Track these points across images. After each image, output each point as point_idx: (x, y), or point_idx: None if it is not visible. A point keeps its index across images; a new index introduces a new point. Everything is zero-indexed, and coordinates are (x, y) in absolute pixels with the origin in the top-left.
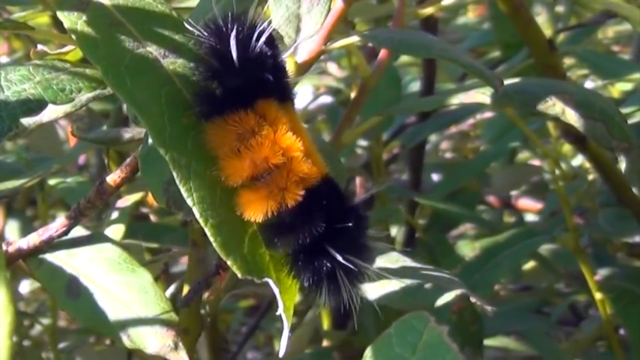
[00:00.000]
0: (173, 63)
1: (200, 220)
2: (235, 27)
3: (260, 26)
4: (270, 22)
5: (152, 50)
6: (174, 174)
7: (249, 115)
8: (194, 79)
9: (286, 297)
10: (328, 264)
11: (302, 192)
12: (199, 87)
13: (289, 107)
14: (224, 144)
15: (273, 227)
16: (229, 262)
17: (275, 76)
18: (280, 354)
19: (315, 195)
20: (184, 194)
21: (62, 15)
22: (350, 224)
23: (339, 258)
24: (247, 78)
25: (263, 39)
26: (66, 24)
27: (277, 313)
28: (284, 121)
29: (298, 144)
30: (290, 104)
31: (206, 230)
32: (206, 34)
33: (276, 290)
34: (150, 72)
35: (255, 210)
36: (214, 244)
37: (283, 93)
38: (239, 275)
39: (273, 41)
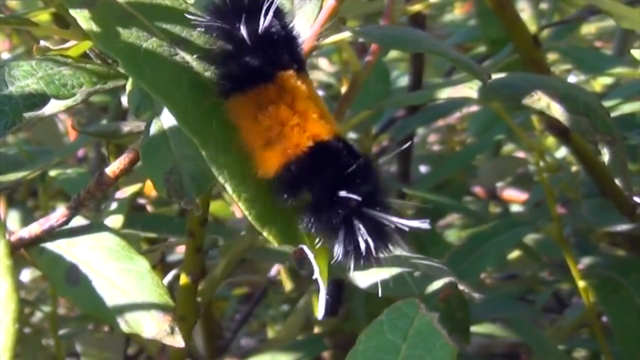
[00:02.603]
0: (187, 48)
1: (234, 196)
2: (239, 5)
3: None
4: None
5: (165, 38)
6: (203, 154)
7: (268, 87)
8: (210, 62)
9: (319, 261)
10: (343, 212)
11: (312, 144)
12: (217, 68)
13: (304, 76)
14: (244, 116)
15: (285, 181)
16: (264, 233)
17: (289, 46)
18: (320, 317)
19: (326, 149)
20: (215, 173)
21: (75, 13)
22: (363, 175)
23: (354, 202)
24: (262, 54)
25: (271, 12)
26: (80, 21)
27: (314, 277)
28: (301, 89)
29: (314, 107)
30: (305, 73)
31: (240, 204)
32: (211, 17)
33: (311, 256)
34: (167, 60)
35: (269, 167)
36: (249, 217)
37: (298, 62)
38: (276, 244)
39: (279, 11)
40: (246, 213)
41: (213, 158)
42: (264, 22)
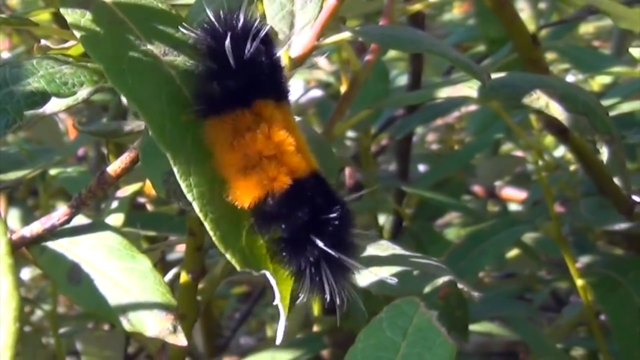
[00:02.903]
0: (173, 61)
1: (200, 215)
2: (230, 27)
3: (255, 25)
4: (265, 20)
5: (153, 48)
6: (174, 170)
7: (245, 113)
8: (193, 78)
9: (282, 287)
10: (311, 254)
11: (289, 182)
12: (198, 86)
13: (284, 105)
14: (220, 140)
15: (261, 215)
16: (227, 256)
17: (271, 75)
18: (277, 342)
19: (302, 186)
20: (184, 190)
21: (65, 13)
22: (335, 217)
23: (322, 246)
24: (244, 79)
25: (259, 38)
26: (69, 21)
27: (274, 303)
28: (278, 119)
29: (290, 139)
30: (286, 102)
31: (205, 224)
32: (202, 35)
33: (273, 281)
34: (151, 71)
35: (244, 197)
36: (213, 238)
37: (278, 92)
38: (238, 268)
39: (269, 39)
40: (211, 233)
41: (183, 175)
42: (250, 48)
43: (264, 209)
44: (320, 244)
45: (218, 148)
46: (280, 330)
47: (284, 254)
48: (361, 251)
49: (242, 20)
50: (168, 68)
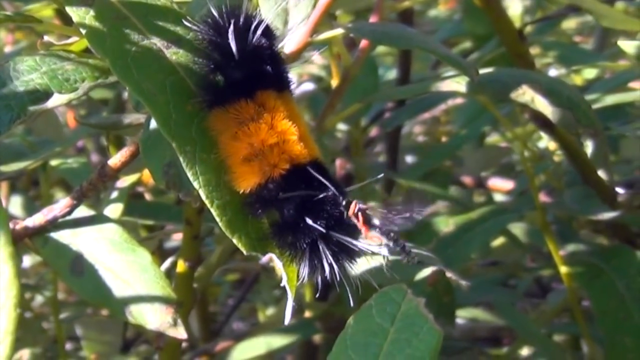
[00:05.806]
0: (176, 53)
1: (207, 202)
2: (232, 20)
3: (256, 18)
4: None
5: (156, 42)
6: (181, 159)
7: (249, 104)
8: (196, 70)
9: (289, 269)
10: (309, 235)
11: (288, 167)
12: (201, 78)
13: (286, 95)
14: (225, 129)
15: (260, 198)
16: (234, 240)
17: (273, 66)
18: (285, 322)
19: (301, 172)
20: (191, 178)
21: (70, 10)
22: (333, 202)
23: (319, 227)
24: (247, 70)
25: (260, 31)
26: (75, 19)
27: (282, 284)
28: (281, 109)
29: (293, 129)
30: (288, 92)
31: (212, 210)
32: (205, 28)
33: (279, 264)
34: (155, 63)
35: (245, 182)
36: (220, 224)
37: (281, 82)
38: (245, 252)
39: (270, 32)
40: (218, 219)
41: (189, 164)
42: (251, 40)
43: (259, 194)
44: (317, 226)
45: (223, 138)
46: (288, 311)
47: (283, 236)
48: (359, 234)
49: (243, 13)
50: (172, 60)
